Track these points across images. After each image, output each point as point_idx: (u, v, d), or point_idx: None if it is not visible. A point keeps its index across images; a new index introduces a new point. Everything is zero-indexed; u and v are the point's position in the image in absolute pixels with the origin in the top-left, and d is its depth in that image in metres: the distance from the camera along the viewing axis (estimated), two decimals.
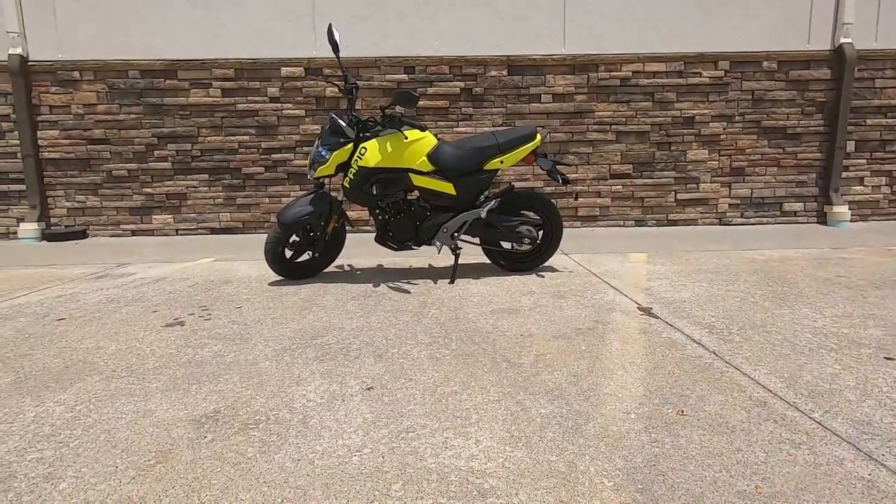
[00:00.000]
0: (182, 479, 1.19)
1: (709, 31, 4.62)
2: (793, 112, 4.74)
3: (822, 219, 4.83)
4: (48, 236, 4.67)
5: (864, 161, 4.83)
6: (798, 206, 4.87)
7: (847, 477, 1.16)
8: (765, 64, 4.67)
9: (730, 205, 4.86)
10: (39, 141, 4.68)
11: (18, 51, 4.50)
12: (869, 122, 4.76)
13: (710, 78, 4.68)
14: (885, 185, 4.87)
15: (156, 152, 4.72)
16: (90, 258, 3.84)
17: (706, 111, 4.73)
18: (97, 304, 2.62)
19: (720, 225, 4.86)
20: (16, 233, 4.71)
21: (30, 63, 4.58)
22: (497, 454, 1.27)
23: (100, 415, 1.49)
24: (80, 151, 4.71)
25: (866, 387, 1.58)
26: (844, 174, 4.80)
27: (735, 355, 1.84)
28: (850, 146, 4.78)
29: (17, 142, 4.64)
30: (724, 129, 4.76)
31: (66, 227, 4.80)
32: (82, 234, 4.78)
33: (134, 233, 4.83)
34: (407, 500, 1.11)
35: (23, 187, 4.71)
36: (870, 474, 1.17)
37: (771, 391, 1.57)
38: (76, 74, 4.61)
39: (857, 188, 4.86)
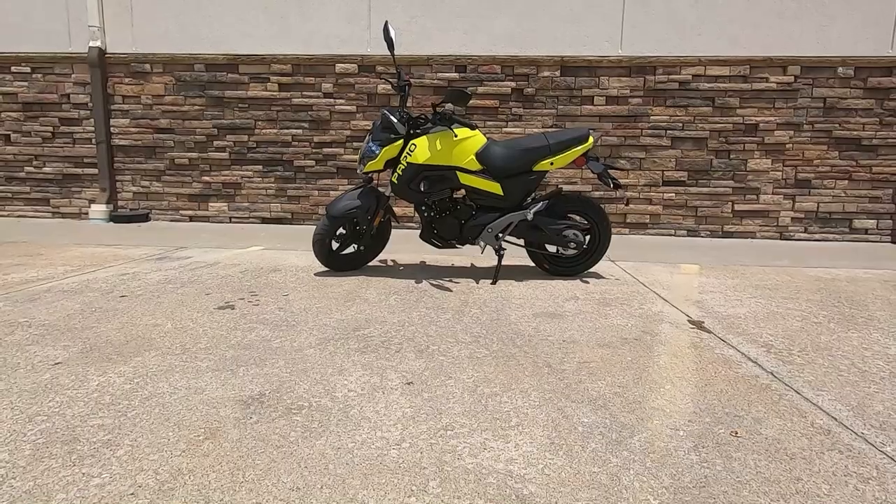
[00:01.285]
0: (228, 456, 1.23)
1: (778, 33, 4.37)
2: (869, 122, 4.41)
3: None
4: (115, 218, 4.98)
5: None
6: (870, 223, 4.53)
7: None
8: (840, 70, 4.36)
9: (792, 218, 4.58)
10: (112, 129, 4.99)
11: (98, 44, 4.81)
12: None
13: (777, 83, 4.43)
14: None
15: (215, 143, 4.94)
16: (151, 240, 4.07)
17: (771, 118, 4.47)
18: (156, 284, 2.77)
19: (781, 239, 4.59)
20: (87, 213, 5.05)
21: (107, 55, 4.89)
22: (537, 460, 1.24)
23: (155, 388, 1.57)
24: (147, 140, 4.99)
25: None
26: None
27: (795, 378, 1.73)
28: None
29: (93, 129, 4.97)
30: (791, 137, 4.49)
31: (131, 210, 5.10)
32: (145, 218, 5.07)
33: (191, 218, 5.07)
34: (444, 498, 1.10)
35: (95, 171, 5.04)
36: None
37: (836, 419, 1.46)
38: (147, 67, 4.88)
39: None
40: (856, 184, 4.50)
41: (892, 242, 4.49)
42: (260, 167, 4.95)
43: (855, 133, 4.44)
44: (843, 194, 4.52)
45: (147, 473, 1.16)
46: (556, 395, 1.58)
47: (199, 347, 1.91)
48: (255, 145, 4.92)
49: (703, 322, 2.29)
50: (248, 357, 1.83)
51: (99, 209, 4.97)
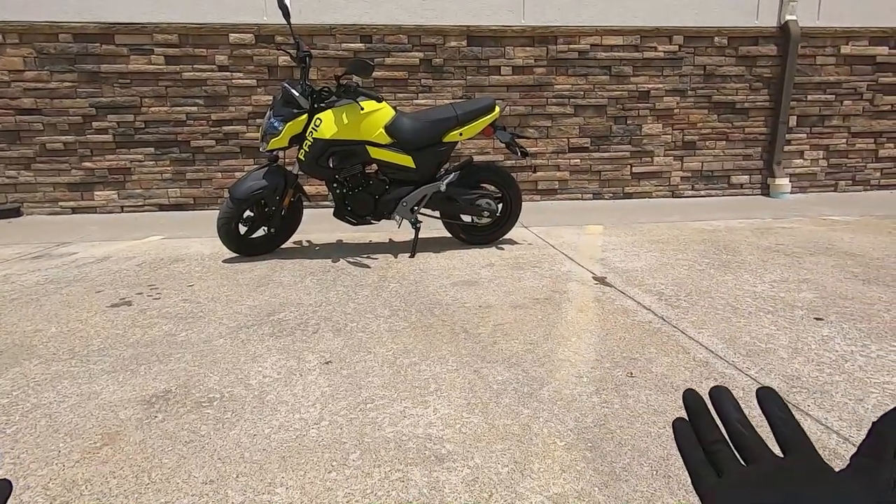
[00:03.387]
0: (131, 459, 1.16)
1: (664, 5, 4.68)
2: (741, 87, 4.91)
3: (766, 191, 5.08)
4: None
5: (805, 136, 5.08)
6: (744, 178, 5.09)
7: None
8: (716, 39, 4.78)
9: (681, 178, 5.03)
10: None
11: None
12: (809, 97, 4.98)
13: (664, 52, 4.76)
14: (823, 158, 5.15)
15: (94, 124, 4.42)
16: (26, 237, 3.60)
17: (660, 85, 4.82)
18: (34, 286, 2.47)
19: (673, 197, 5.03)
20: None
21: None
22: (454, 421, 1.30)
23: (39, 399, 1.42)
24: (8, 122, 4.35)
25: (797, 345, 1.70)
26: (786, 148, 5.04)
27: (681, 320, 1.93)
28: (793, 121, 5.01)
29: None
30: (678, 103, 4.88)
31: None
32: (16, 212, 4.46)
33: (74, 210, 4.54)
34: (364, 468, 1.12)
35: None
36: None
37: (713, 352, 1.66)
38: None
39: (798, 161, 5.12)
40: (732, 144, 5.02)
41: (762, 195, 5.09)
42: (152, 149, 4.51)
43: (730, 98, 4.92)
44: (722, 154, 5.03)
45: (34, 490, 1.06)
46: (472, 359, 1.64)
47: (91, 350, 1.75)
48: (143, 125, 4.46)
49: (605, 278, 2.48)
50: (149, 354, 1.70)
51: None
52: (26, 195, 4.49)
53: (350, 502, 1.02)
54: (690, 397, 0.33)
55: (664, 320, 1.93)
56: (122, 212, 4.57)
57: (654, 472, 1.09)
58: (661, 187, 5.02)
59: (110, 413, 1.35)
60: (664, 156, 4.96)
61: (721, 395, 0.32)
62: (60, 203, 4.53)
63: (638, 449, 1.17)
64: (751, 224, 3.69)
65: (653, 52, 4.75)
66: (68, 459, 1.16)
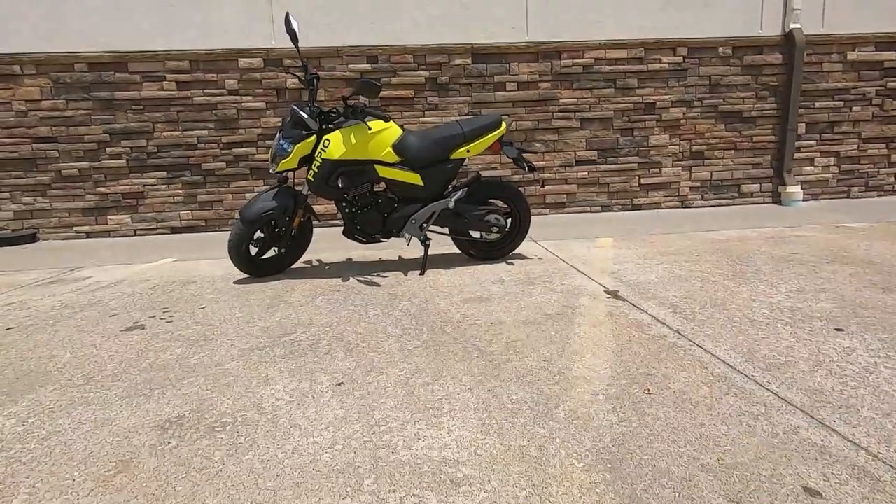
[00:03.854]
0: (145, 487, 1.15)
1: (667, 18, 4.71)
2: (748, 96, 4.90)
3: (777, 199, 5.03)
4: None
5: (814, 142, 5.04)
6: (754, 187, 5.05)
7: (802, 444, 1.22)
8: (720, 50, 4.79)
9: (690, 188, 5.00)
10: None
11: None
12: (818, 104, 4.96)
13: (669, 64, 4.78)
14: (834, 164, 5.10)
15: (108, 149, 4.51)
16: (41, 263, 3.65)
17: (666, 96, 4.83)
18: (50, 311, 2.50)
19: (682, 208, 5.00)
20: None
21: None
22: (469, 443, 1.28)
23: (54, 426, 1.43)
24: (25, 150, 4.45)
25: (818, 357, 1.66)
26: (796, 155, 5.00)
27: (697, 333, 1.90)
28: (801, 128, 4.98)
29: None
30: (684, 114, 4.87)
31: (13, 230, 4.54)
32: (32, 238, 4.54)
33: (89, 234, 4.61)
34: (379, 494, 1.10)
35: None
36: (822, 440, 1.23)
37: (731, 366, 1.63)
38: (17, 69, 4.34)
39: (808, 168, 5.07)
40: (740, 152, 4.99)
41: (773, 203, 5.04)
42: (164, 173, 4.59)
43: (737, 107, 4.90)
44: (731, 163, 5.00)
45: None
46: (485, 377, 1.62)
47: (105, 375, 1.75)
48: (155, 150, 4.55)
49: (618, 291, 2.45)
50: (162, 379, 1.70)
51: None
52: (42, 221, 4.58)
53: None
54: None
55: (680, 334, 1.90)
56: (136, 235, 4.64)
57: (678, 494, 1.06)
58: (671, 198, 4.99)
59: (124, 440, 1.35)
60: (672, 166, 4.94)
61: None
62: (75, 228, 4.60)
63: (659, 469, 1.14)
64: (764, 233, 3.64)
65: (657, 63, 4.76)
66: (83, 488, 1.15)
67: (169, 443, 1.33)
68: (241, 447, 1.29)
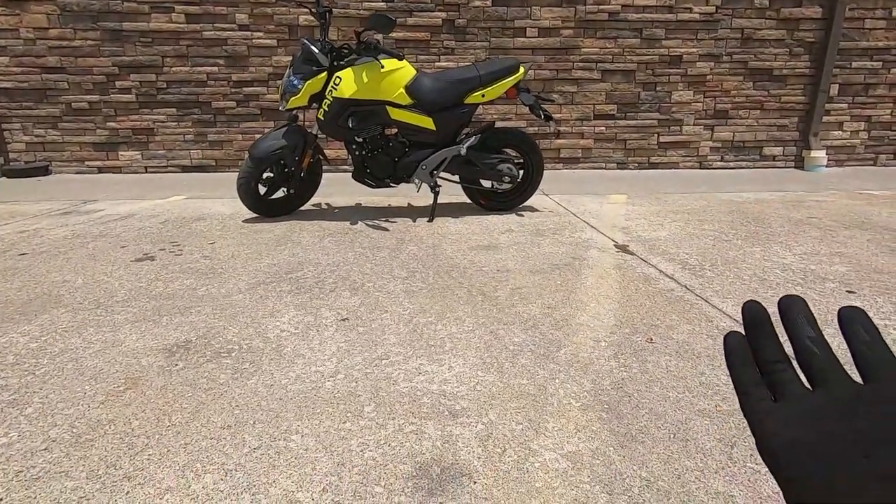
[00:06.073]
0: (152, 403, 1.19)
1: None
2: (780, 52, 4.64)
3: (800, 163, 4.87)
4: (8, 172, 4.44)
5: (846, 105, 4.81)
6: (777, 150, 4.88)
7: None
8: (756, 0, 4.50)
9: (711, 148, 4.84)
10: None
11: None
12: (854, 64, 4.69)
13: (700, 14, 4.51)
14: (864, 129, 4.89)
15: (117, 83, 4.43)
16: (54, 195, 3.68)
17: (694, 49, 4.59)
18: (62, 240, 2.53)
19: (700, 169, 4.86)
20: None
21: None
22: (469, 378, 1.29)
23: (66, 344, 1.47)
24: (35, 81, 4.39)
25: (826, 317, 1.64)
26: (825, 118, 4.79)
27: (705, 289, 1.88)
28: (833, 90, 4.74)
29: None
30: (711, 69, 4.65)
31: (26, 162, 4.55)
32: (45, 171, 4.55)
33: (100, 170, 4.62)
34: (378, 420, 1.13)
35: None
36: None
37: (737, 321, 1.61)
38: None
39: (836, 133, 4.87)
40: (766, 113, 4.79)
41: (796, 167, 4.88)
42: (174, 110, 4.52)
43: (768, 64, 4.66)
44: (755, 123, 4.81)
45: (62, 428, 1.09)
46: (489, 320, 1.63)
47: (115, 301, 1.78)
48: (164, 85, 4.46)
49: (627, 246, 2.42)
50: (171, 307, 1.73)
51: None
52: (54, 154, 4.57)
53: (364, 451, 1.03)
54: (752, 308, 0.27)
55: (687, 289, 1.88)
56: (146, 172, 4.63)
57: (672, 435, 1.08)
58: (689, 158, 4.85)
59: (133, 360, 1.38)
60: (694, 125, 4.77)
61: (793, 305, 0.26)
62: (87, 163, 4.60)
63: (655, 412, 1.15)
64: (782, 196, 3.55)
65: (688, 13, 4.50)
66: (93, 401, 1.19)
67: (176, 365, 1.36)
68: (246, 372, 1.32)
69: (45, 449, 1.03)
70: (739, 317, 1.62)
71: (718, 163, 4.87)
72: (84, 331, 1.55)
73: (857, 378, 0.24)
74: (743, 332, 0.27)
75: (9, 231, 2.70)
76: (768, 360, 0.26)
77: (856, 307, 0.25)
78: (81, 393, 1.23)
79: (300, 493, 0.92)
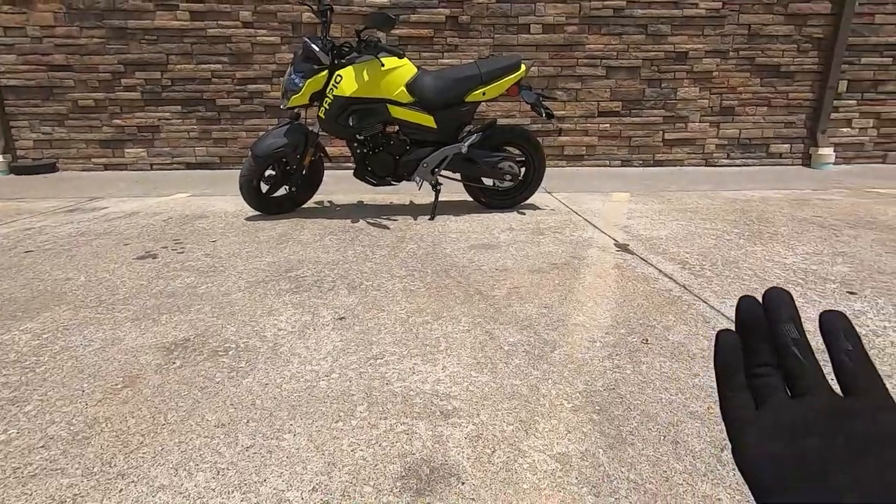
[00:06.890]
0: (149, 401, 1.20)
1: None
2: (788, 48, 4.59)
3: (807, 161, 4.81)
4: (15, 169, 4.49)
5: (855, 102, 4.75)
6: (784, 147, 4.83)
7: None
8: None
9: (716, 145, 4.80)
10: None
11: None
12: (864, 60, 4.63)
13: (706, 10, 4.46)
14: (872, 127, 4.82)
15: (123, 81, 4.46)
16: (60, 192, 3.72)
17: (700, 46, 4.55)
18: (67, 237, 2.56)
19: (706, 166, 4.82)
20: None
21: None
22: (462, 379, 1.30)
23: (67, 342, 1.49)
24: (41, 78, 4.43)
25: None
26: (833, 115, 4.73)
27: (704, 289, 1.87)
28: (842, 86, 4.68)
29: None
30: (717, 65, 4.60)
31: (33, 159, 4.61)
32: (52, 168, 4.60)
33: (106, 167, 4.66)
34: (370, 419, 1.13)
35: None
36: None
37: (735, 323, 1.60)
38: None
39: (844, 130, 4.81)
40: (773, 110, 4.74)
41: (803, 165, 4.83)
42: (179, 108, 4.55)
43: (775, 60, 4.61)
44: (762, 120, 4.76)
45: (59, 425, 1.11)
46: (485, 320, 1.63)
47: (117, 299, 1.81)
48: (169, 83, 4.49)
49: (628, 245, 2.41)
50: (171, 304, 1.75)
51: None
52: (61, 151, 4.62)
53: (355, 451, 1.04)
54: (747, 306, 0.26)
55: (686, 289, 1.87)
56: (151, 169, 4.67)
57: (662, 438, 1.08)
58: (694, 155, 4.82)
59: (132, 358, 1.40)
60: (699, 122, 4.73)
61: (780, 301, 0.25)
62: (93, 160, 4.64)
63: (647, 414, 1.15)
64: (788, 195, 3.51)
65: (693, 9, 4.46)
66: (91, 398, 1.21)
67: (174, 363, 1.38)
68: (242, 371, 1.34)
69: (42, 446, 1.05)
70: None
71: (724, 160, 4.83)
72: (85, 328, 1.57)
73: (837, 386, 0.24)
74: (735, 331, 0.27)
75: (16, 228, 2.74)
76: (758, 363, 0.25)
77: (838, 312, 0.25)
78: (80, 391, 1.24)
79: (290, 492, 0.93)
